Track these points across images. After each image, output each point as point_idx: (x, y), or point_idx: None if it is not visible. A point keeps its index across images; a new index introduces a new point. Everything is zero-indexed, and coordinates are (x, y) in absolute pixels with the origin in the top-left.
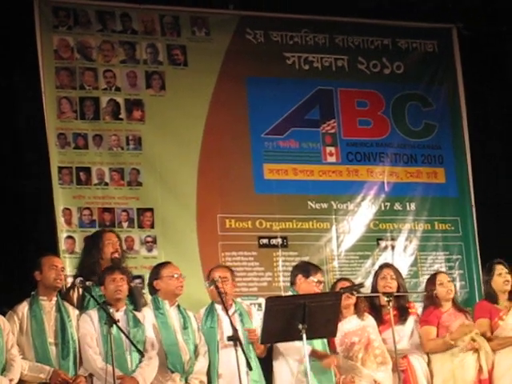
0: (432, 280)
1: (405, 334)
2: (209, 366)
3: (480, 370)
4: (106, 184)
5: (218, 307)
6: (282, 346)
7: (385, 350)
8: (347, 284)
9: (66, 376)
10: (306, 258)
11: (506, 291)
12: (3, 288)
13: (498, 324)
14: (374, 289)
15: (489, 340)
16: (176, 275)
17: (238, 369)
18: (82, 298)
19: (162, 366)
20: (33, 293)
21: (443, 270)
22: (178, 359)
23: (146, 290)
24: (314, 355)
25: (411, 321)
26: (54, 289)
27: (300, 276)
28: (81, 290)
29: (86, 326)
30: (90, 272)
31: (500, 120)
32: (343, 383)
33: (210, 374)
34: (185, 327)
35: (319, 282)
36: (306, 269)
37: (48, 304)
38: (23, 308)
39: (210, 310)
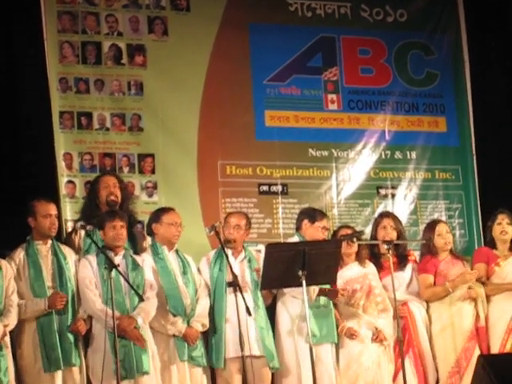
0: (431, 229)
1: (404, 280)
2: (216, 310)
3: (477, 318)
4: (107, 129)
5: (228, 251)
6: (283, 291)
7: (386, 297)
8: (349, 231)
9: (63, 295)
10: (305, 206)
11: (504, 241)
12: (4, 233)
13: (493, 270)
14: (374, 238)
15: (483, 285)
16: (176, 223)
17: (238, 315)
18: (83, 242)
19: (163, 310)
20: (28, 238)
21: (443, 218)
22: (179, 303)
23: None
24: (322, 293)
25: (410, 268)
26: (48, 236)
27: (306, 221)
28: (82, 234)
29: (85, 271)
30: (91, 216)
31: (502, 69)
32: (345, 333)
33: (217, 318)
34: (184, 271)
35: (325, 228)
36: (312, 214)
37: (44, 248)
38: (19, 254)
39: (219, 254)
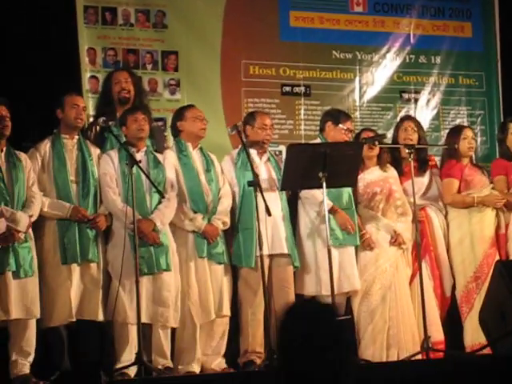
0: (456, 133)
1: (424, 185)
2: (245, 209)
3: (498, 226)
4: (132, 25)
5: (253, 152)
6: (303, 195)
7: (405, 201)
8: (371, 135)
9: (85, 213)
10: (328, 108)
11: None
12: (27, 126)
13: None
14: (395, 140)
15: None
16: (200, 117)
17: (257, 214)
18: (103, 138)
19: (184, 207)
20: (55, 131)
21: (465, 125)
22: (200, 200)
23: (167, 133)
24: (333, 211)
25: (429, 173)
26: (75, 128)
27: (330, 123)
28: (97, 129)
29: (106, 166)
30: (105, 113)
31: None
32: (364, 241)
33: (246, 217)
34: (208, 169)
35: (349, 130)
36: (336, 116)
37: (70, 142)
38: (45, 145)
39: (243, 153)
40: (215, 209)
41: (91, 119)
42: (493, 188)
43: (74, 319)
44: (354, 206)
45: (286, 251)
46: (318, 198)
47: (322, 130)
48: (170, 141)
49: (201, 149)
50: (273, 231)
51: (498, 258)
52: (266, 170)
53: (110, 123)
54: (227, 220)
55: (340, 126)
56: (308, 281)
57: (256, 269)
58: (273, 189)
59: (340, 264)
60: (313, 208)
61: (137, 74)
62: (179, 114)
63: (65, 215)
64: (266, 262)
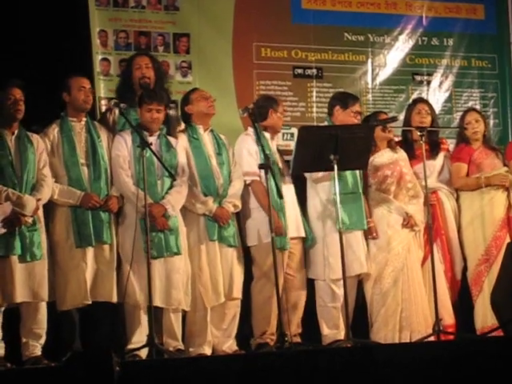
0: (462, 117)
1: (435, 169)
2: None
3: (509, 207)
4: (143, 7)
5: (267, 135)
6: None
7: (417, 183)
8: (384, 117)
9: (97, 199)
10: (340, 90)
11: None
12: (37, 109)
13: None
14: (408, 123)
15: None
16: (205, 96)
17: (268, 198)
18: (117, 121)
19: (195, 191)
20: (62, 114)
21: (477, 107)
22: (211, 183)
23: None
24: None
25: (442, 156)
26: (83, 110)
27: (338, 107)
28: (117, 112)
29: (120, 147)
30: (125, 97)
31: None
32: (369, 228)
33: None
34: (219, 152)
35: (357, 112)
36: (344, 100)
37: (78, 125)
38: (53, 130)
39: (257, 135)
40: (226, 192)
41: (103, 101)
42: (507, 171)
43: (90, 301)
44: (360, 190)
45: (295, 234)
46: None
47: (330, 113)
48: (182, 124)
49: (212, 131)
50: (280, 214)
51: (508, 240)
52: (279, 154)
53: (122, 105)
54: (238, 203)
55: (349, 109)
56: (316, 265)
57: (268, 251)
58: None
59: (346, 248)
60: (323, 189)
61: None
62: (185, 99)
63: (75, 202)
64: (270, 245)
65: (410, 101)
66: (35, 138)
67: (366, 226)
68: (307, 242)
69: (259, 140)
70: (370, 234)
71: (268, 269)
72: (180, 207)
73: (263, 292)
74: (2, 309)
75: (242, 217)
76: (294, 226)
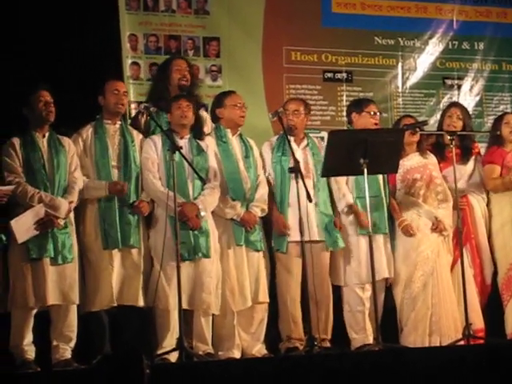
0: (499, 120)
1: (466, 173)
2: (279, 195)
3: None
4: (173, 11)
5: (291, 138)
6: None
7: (446, 187)
8: (411, 121)
9: (123, 183)
10: (370, 94)
11: None
12: (69, 113)
13: None
14: (440, 126)
15: None
16: (239, 105)
17: (298, 201)
18: (148, 124)
19: (222, 194)
20: (98, 116)
21: (508, 111)
22: (239, 187)
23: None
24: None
25: (473, 160)
26: (116, 113)
27: (354, 113)
28: (147, 115)
29: (149, 151)
30: (159, 99)
31: None
32: (402, 228)
33: (280, 203)
34: (247, 156)
35: (374, 112)
36: (357, 104)
37: (112, 128)
38: (87, 130)
39: (282, 140)
40: (253, 196)
41: (133, 105)
42: None
43: (116, 304)
44: (382, 194)
45: (317, 238)
46: (342, 190)
47: (350, 122)
48: (210, 126)
49: (240, 135)
50: (305, 217)
51: None
52: (302, 156)
53: (152, 109)
54: (265, 207)
55: (364, 111)
56: (338, 270)
57: (293, 254)
58: (308, 175)
59: (367, 253)
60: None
61: None
62: (219, 101)
63: (104, 193)
64: (297, 248)
65: (441, 105)
66: (66, 140)
67: (399, 226)
68: (331, 245)
69: (289, 144)
70: (405, 232)
71: (294, 271)
72: (212, 210)
73: (289, 295)
74: (34, 311)
75: (269, 221)
76: (312, 229)
